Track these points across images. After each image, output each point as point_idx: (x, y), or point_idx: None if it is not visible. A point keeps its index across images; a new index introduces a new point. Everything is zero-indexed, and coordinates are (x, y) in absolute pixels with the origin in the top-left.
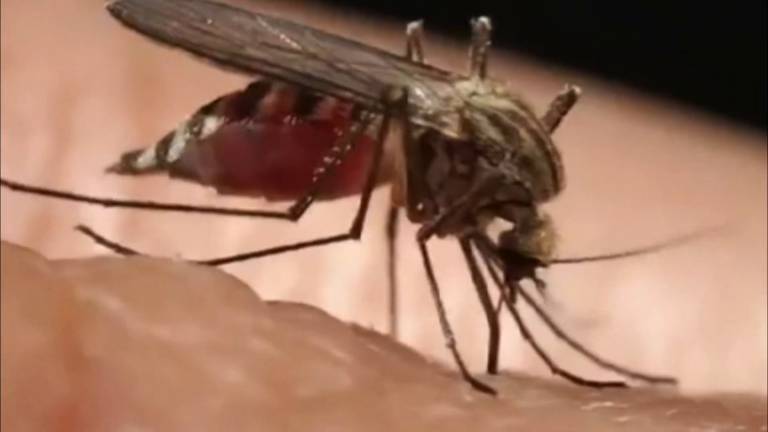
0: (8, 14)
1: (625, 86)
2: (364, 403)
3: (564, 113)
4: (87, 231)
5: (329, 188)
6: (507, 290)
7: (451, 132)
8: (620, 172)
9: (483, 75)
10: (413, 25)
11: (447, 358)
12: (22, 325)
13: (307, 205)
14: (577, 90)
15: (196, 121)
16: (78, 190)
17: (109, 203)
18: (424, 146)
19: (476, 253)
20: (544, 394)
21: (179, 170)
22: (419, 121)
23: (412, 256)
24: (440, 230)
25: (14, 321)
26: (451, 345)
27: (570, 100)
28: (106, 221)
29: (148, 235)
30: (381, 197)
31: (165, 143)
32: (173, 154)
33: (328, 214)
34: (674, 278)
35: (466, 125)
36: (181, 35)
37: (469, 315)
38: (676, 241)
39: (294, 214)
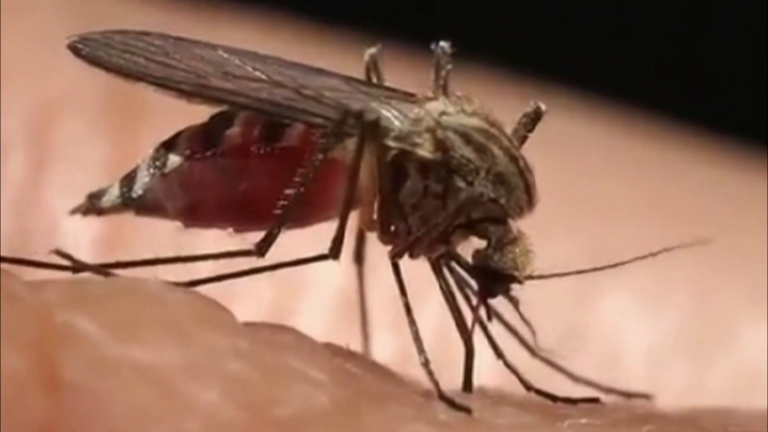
0: None
1: (612, 100)
2: (341, 424)
3: (530, 130)
4: (63, 255)
5: (298, 217)
6: (481, 309)
7: (425, 152)
8: (606, 185)
9: (446, 95)
10: (371, 51)
11: (422, 376)
12: (1, 348)
13: (273, 239)
14: (543, 107)
15: (159, 155)
16: (56, 211)
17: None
18: (396, 168)
19: (447, 273)
20: (519, 412)
21: (144, 206)
22: (391, 143)
23: (386, 274)
24: (413, 250)
25: None
26: (425, 364)
27: (536, 117)
28: (82, 240)
29: (125, 254)
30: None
31: (128, 179)
32: (138, 190)
33: (303, 233)
34: (654, 292)
35: (439, 145)
36: (145, 69)
37: (444, 334)
38: (652, 254)
39: (260, 250)
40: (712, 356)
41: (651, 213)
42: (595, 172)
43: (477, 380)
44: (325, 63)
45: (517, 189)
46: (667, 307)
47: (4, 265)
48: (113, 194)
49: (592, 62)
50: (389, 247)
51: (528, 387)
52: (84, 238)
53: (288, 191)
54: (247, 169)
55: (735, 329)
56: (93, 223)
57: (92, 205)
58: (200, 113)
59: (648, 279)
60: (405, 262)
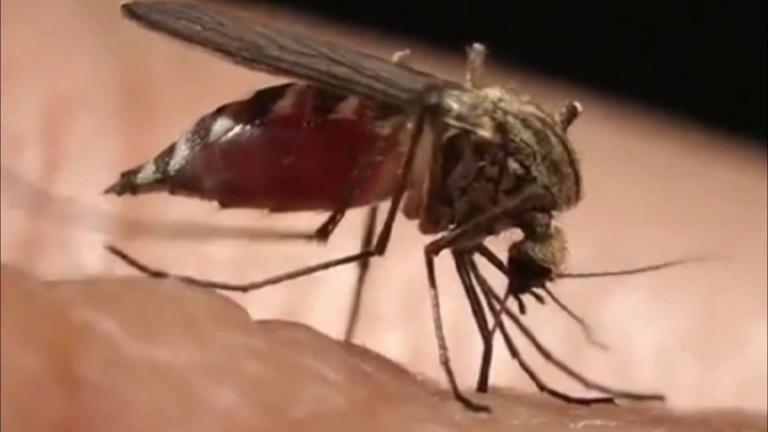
0: (1, 30)
1: (625, 100)
2: (357, 424)
3: (564, 129)
4: (118, 252)
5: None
6: (505, 305)
7: (485, 132)
8: (618, 186)
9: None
10: (401, 54)
11: (437, 375)
12: (18, 347)
13: (336, 224)
14: (578, 105)
15: (200, 129)
16: (71, 207)
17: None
18: (451, 148)
19: (470, 267)
20: (534, 413)
21: (181, 182)
22: (453, 122)
23: (399, 271)
24: (458, 240)
25: (10, 344)
26: (445, 362)
27: (571, 116)
28: (97, 239)
29: (140, 252)
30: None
31: (165, 155)
32: (175, 164)
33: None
34: (664, 294)
35: (498, 127)
36: (204, 35)
37: (456, 332)
38: (671, 263)
39: (323, 235)
40: (722, 357)
41: (663, 214)
42: (608, 172)
43: (491, 380)
44: None
45: (569, 179)
46: (676, 308)
47: (21, 257)
48: (148, 171)
49: (605, 63)
50: (395, 244)
51: (542, 387)
52: (96, 237)
53: (341, 166)
54: (296, 142)
55: (744, 330)
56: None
57: (126, 183)
58: (217, 105)
59: (657, 280)
60: (415, 261)
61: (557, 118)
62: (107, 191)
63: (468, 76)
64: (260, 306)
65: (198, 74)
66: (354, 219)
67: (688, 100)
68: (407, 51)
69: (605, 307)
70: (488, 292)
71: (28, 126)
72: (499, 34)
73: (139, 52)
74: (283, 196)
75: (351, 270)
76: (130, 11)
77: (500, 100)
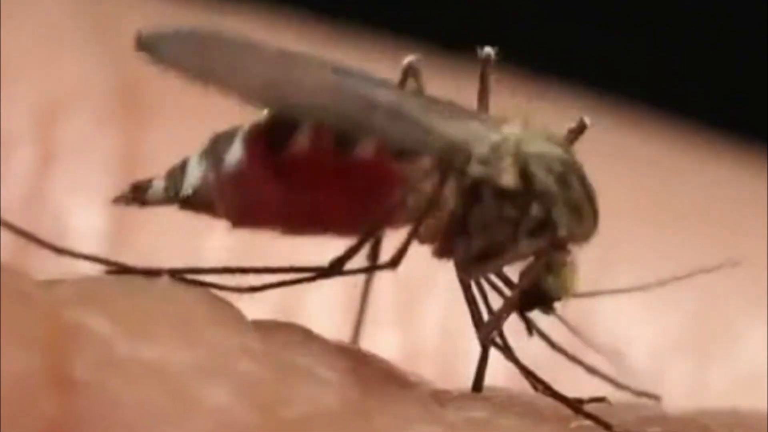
0: None
1: (619, 99)
2: (349, 425)
3: (573, 143)
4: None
5: (350, 229)
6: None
7: (508, 180)
8: (612, 185)
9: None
10: (410, 59)
11: (431, 375)
12: (9, 346)
13: (350, 258)
14: (588, 120)
15: (214, 150)
16: (63, 207)
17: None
18: (472, 189)
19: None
20: (528, 413)
21: (193, 204)
22: (477, 169)
23: (393, 271)
24: (474, 272)
25: (3, 343)
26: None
27: (579, 132)
28: (90, 235)
29: (133, 249)
30: None
31: (177, 175)
32: (188, 186)
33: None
34: (658, 293)
35: (521, 173)
36: (221, 76)
37: (452, 331)
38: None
39: (334, 269)
40: (716, 357)
41: (662, 214)
42: (606, 172)
43: (486, 380)
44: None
45: (588, 218)
46: (670, 307)
47: (14, 263)
48: (159, 188)
49: (598, 61)
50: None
51: (536, 387)
52: (90, 234)
53: (356, 205)
54: (314, 177)
55: (738, 329)
56: (99, 219)
57: (135, 197)
58: (214, 110)
59: (650, 280)
60: (409, 261)
61: (565, 133)
62: (116, 201)
63: (478, 87)
64: (254, 306)
65: None
66: None
67: (688, 100)
68: (417, 57)
69: (599, 307)
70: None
71: (23, 125)
72: (499, 33)
73: (134, 52)
74: (297, 225)
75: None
76: (143, 45)
77: (521, 141)
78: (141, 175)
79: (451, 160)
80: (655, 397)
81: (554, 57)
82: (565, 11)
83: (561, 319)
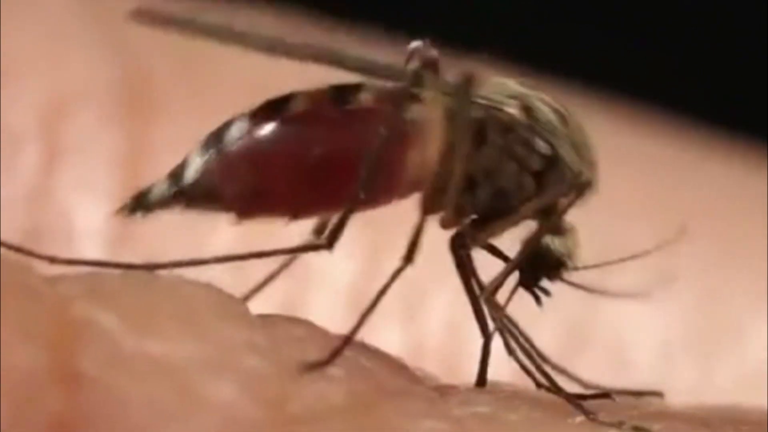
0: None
1: (618, 96)
2: (356, 420)
3: None
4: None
5: (365, 199)
6: (507, 304)
7: (513, 109)
8: (612, 182)
9: None
10: (416, 44)
11: (436, 370)
12: (17, 343)
13: (341, 229)
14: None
15: (212, 139)
16: (69, 205)
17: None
18: (475, 131)
19: (467, 260)
20: (532, 408)
21: (198, 194)
22: (482, 101)
23: (395, 265)
24: (485, 233)
25: (9, 339)
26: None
27: None
28: (95, 232)
29: (138, 246)
30: None
31: (177, 169)
32: (189, 176)
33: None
34: (661, 290)
35: (525, 108)
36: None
37: (455, 328)
38: (659, 246)
39: (330, 243)
40: (719, 354)
41: (658, 210)
42: (601, 170)
43: (490, 375)
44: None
45: (591, 165)
46: (673, 304)
47: (21, 259)
48: (161, 187)
49: (598, 58)
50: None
51: (539, 384)
52: (95, 231)
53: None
54: (315, 135)
55: (741, 326)
56: (104, 217)
57: (138, 203)
58: (218, 108)
59: (654, 277)
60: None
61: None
62: (117, 212)
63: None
64: (259, 301)
65: (198, 72)
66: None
67: (688, 99)
68: (423, 42)
69: (603, 304)
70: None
71: (27, 123)
72: (499, 33)
73: (139, 49)
74: (305, 198)
75: (351, 264)
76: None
77: (519, 84)
78: (145, 173)
79: (464, 84)
80: (657, 394)
81: (554, 57)
82: (565, 11)
83: (571, 283)
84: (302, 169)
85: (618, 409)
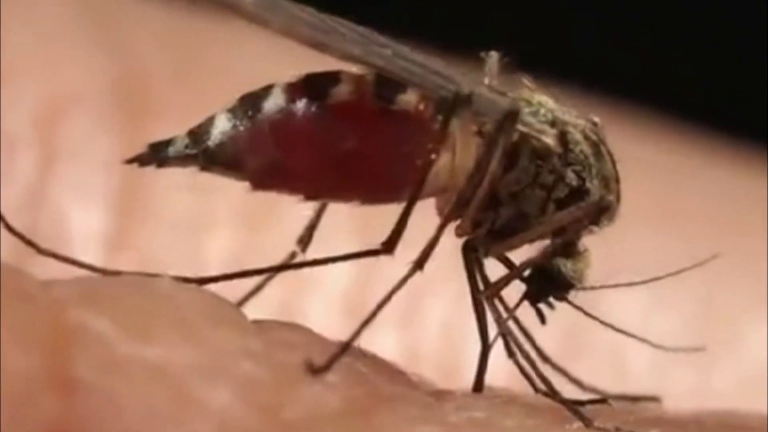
0: None
1: (620, 101)
2: (351, 426)
3: None
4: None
5: (379, 196)
6: (513, 312)
7: (549, 140)
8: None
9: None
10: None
11: (432, 374)
12: (12, 347)
13: (400, 235)
14: (597, 120)
15: (245, 105)
16: (64, 208)
17: (203, 281)
18: (510, 153)
19: (478, 269)
20: (528, 414)
21: (219, 159)
22: (522, 129)
23: (395, 272)
24: (497, 248)
25: (5, 344)
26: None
27: None
28: (90, 236)
29: (135, 250)
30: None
31: (202, 129)
32: (215, 139)
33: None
34: (660, 294)
35: (561, 136)
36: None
37: (452, 332)
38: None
39: (388, 249)
40: (717, 358)
41: (662, 214)
42: None
43: (487, 381)
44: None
45: (615, 196)
46: (672, 308)
47: (17, 264)
48: (180, 144)
49: (599, 63)
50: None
51: (536, 389)
52: (91, 234)
53: (392, 156)
54: (354, 128)
55: (740, 331)
56: (100, 220)
57: (153, 155)
58: (214, 109)
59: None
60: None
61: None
62: (130, 161)
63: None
64: (256, 306)
65: (194, 73)
66: (352, 218)
67: (687, 101)
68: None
69: (601, 308)
70: (499, 297)
71: (24, 125)
72: (498, 33)
73: (135, 51)
74: (327, 183)
75: (346, 270)
76: None
77: (555, 108)
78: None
79: (505, 119)
80: (655, 399)
81: (554, 58)
82: (565, 11)
83: (575, 305)
84: (332, 157)
85: (615, 415)
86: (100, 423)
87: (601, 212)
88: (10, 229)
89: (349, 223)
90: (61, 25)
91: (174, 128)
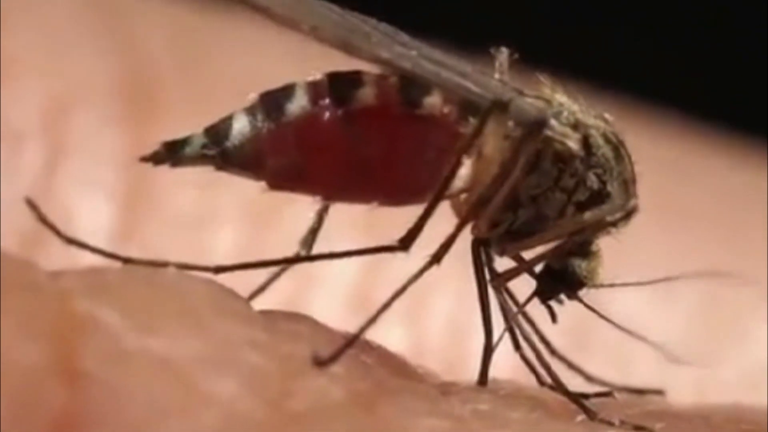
0: (2, 27)
1: (621, 97)
2: (356, 417)
3: None
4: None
5: (396, 197)
6: (523, 309)
7: (573, 144)
8: None
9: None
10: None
11: (436, 367)
12: (19, 337)
13: (419, 232)
14: (608, 117)
15: (266, 105)
16: (71, 203)
17: (218, 269)
18: (535, 158)
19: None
20: (533, 407)
21: (238, 160)
22: (546, 131)
23: (401, 265)
24: (512, 247)
25: (12, 334)
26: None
27: None
28: (97, 231)
29: (141, 246)
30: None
31: (219, 128)
32: (234, 140)
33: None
34: (665, 289)
35: (584, 140)
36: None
37: (457, 325)
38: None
39: (406, 246)
40: (722, 353)
41: (664, 213)
42: None
43: (491, 373)
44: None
45: (632, 198)
46: (676, 303)
47: (22, 251)
48: (197, 143)
49: (602, 60)
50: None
51: (542, 382)
52: (97, 229)
53: (414, 165)
54: (379, 132)
55: (744, 326)
56: (106, 215)
57: (169, 155)
58: (221, 105)
59: (657, 276)
60: (417, 254)
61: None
62: (145, 159)
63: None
64: (262, 299)
65: (199, 70)
66: (351, 217)
67: (688, 100)
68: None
69: (606, 303)
70: (507, 290)
71: (31, 121)
72: (498, 32)
73: (140, 48)
74: (348, 186)
75: (352, 266)
76: None
77: (577, 111)
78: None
79: (534, 127)
80: (659, 392)
81: (556, 57)
82: (568, 11)
83: (585, 304)
84: (355, 160)
85: (619, 408)
86: (106, 414)
87: (629, 216)
88: (43, 219)
89: (353, 220)
90: (69, 20)
91: (181, 124)
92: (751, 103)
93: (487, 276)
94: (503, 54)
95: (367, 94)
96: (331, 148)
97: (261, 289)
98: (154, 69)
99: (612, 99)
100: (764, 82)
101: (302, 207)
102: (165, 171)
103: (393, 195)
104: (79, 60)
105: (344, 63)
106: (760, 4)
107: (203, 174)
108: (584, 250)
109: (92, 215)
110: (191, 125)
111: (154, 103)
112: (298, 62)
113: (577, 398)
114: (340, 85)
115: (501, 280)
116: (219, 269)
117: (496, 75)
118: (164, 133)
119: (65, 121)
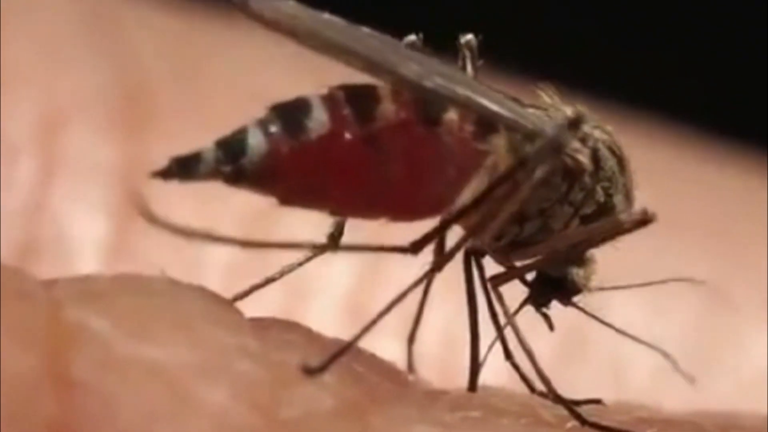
0: None
1: (620, 102)
2: (346, 426)
3: None
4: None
5: (405, 212)
6: (513, 318)
7: (584, 159)
8: None
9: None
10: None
11: (428, 375)
12: (11, 346)
13: (431, 240)
14: (611, 129)
15: (282, 118)
16: (65, 216)
17: (246, 244)
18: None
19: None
20: (523, 413)
21: (251, 175)
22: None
23: (394, 272)
24: (512, 258)
25: (3, 342)
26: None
27: None
28: (92, 244)
29: (133, 258)
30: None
31: (234, 144)
32: (252, 156)
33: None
34: (659, 297)
35: (593, 154)
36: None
37: (449, 332)
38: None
39: (416, 249)
40: (716, 360)
41: (661, 217)
42: None
43: (482, 380)
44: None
45: (633, 210)
46: (671, 310)
47: (16, 263)
48: (209, 158)
49: (599, 64)
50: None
51: (532, 389)
52: (91, 241)
53: (431, 182)
54: (399, 150)
55: (739, 333)
56: (100, 228)
57: (180, 171)
58: (215, 118)
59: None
60: (410, 262)
61: None
62: (154, 175)
63: (469, 70)
64: (256, 307)
65: (196, 82)
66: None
67: (687, 102)
68: (418, 36)
69: (601, 311)
70: (499, 297)
71: (25, 133)
72: (498, 32)
73: (137, 59)
74: (362, 203)
75: (345, 271)
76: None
77: (589, 122)
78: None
79: (550, 150)
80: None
81: (554, 59)
82: (565, 12)
83: (582, 309)
84: (374, 179)
85: (610, 414)
86: (98, 422)
87: (642, 226)
88: (152, 218)
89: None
90: (63, 33)
91: (175, 136)
92: (746, 110)
93: (478, 285)
94: (471, 42)
95: (387, 110)
96: (353, 166)
97: (248, 292)
98: (148, 81)
99: (604, 105)
100: (759, 88)
101: (298, 216)
102: (159, 182)
103: (406, 211)
104: (74, 73)
105: (341, 74)
106: (755, 10)
107: (198, 186)
108: (582, 259)
109: (86, 227)
110: (187, 138)
111: (149, 116)
112: (294, 72)
113: (569, 404)
114: (359, 101)
115: (493, 283)
116: (246, 243)
117: (468, 66)
118: (159, 145)
119: (60, 134)
